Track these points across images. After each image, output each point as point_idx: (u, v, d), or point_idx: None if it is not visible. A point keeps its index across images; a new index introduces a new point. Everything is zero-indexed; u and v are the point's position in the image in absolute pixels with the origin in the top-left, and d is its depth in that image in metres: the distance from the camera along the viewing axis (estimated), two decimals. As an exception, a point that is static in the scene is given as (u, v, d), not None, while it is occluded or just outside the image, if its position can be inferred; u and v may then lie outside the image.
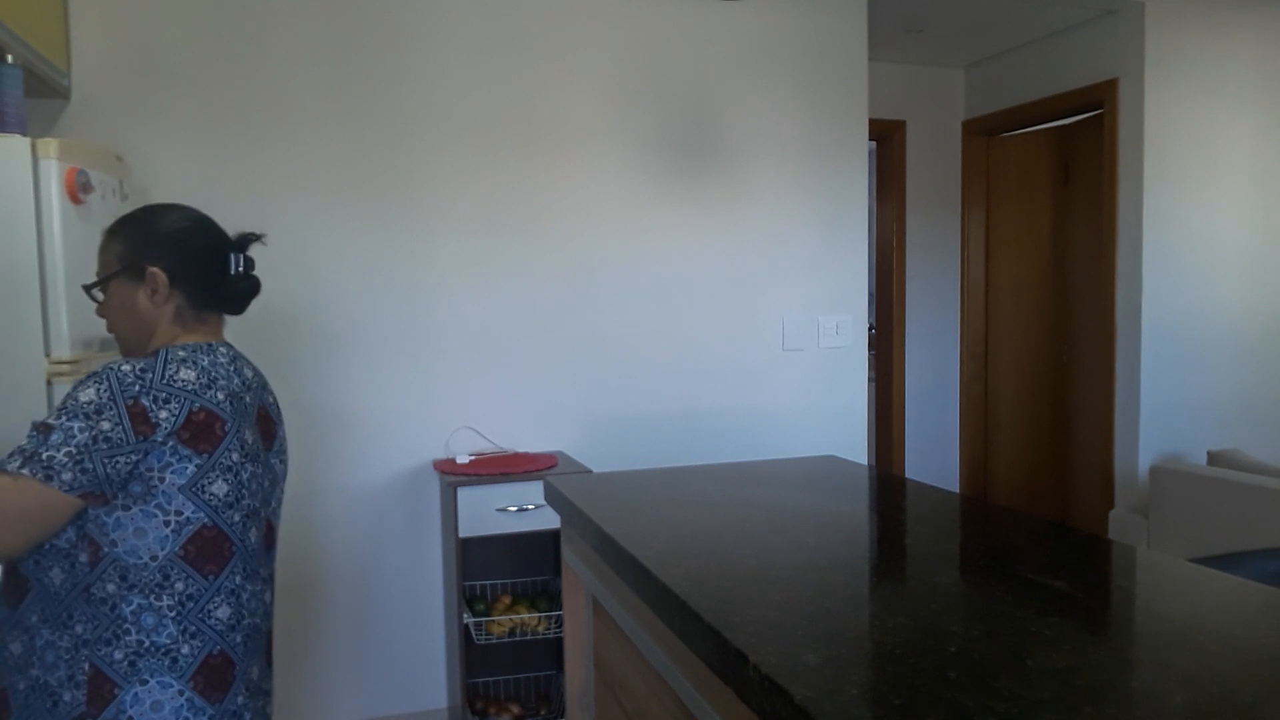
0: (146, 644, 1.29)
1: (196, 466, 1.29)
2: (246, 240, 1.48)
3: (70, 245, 1.96)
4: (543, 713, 2.95)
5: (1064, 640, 0.99)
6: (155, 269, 1.38)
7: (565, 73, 3.15)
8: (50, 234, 1.92)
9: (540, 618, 2.84)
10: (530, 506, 2.76)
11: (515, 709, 2.92)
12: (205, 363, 1.36)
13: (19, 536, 1.21)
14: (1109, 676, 0.90)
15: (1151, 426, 4.07)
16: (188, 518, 1.30)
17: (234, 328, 2.82)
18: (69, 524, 1.26)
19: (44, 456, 1.20)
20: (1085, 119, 4.49)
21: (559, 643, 3.08)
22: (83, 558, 1.27)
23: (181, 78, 2.78)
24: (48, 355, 1.93)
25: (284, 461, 1.55)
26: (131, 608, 1.28)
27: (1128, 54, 4.05)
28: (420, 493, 3.04)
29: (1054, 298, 4.75)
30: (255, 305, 2.93)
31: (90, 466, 1.21)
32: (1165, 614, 1.07)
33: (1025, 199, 4.86)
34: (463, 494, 2.70)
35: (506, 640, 2.86)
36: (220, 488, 1.33)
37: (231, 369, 1.41)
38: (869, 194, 3.83)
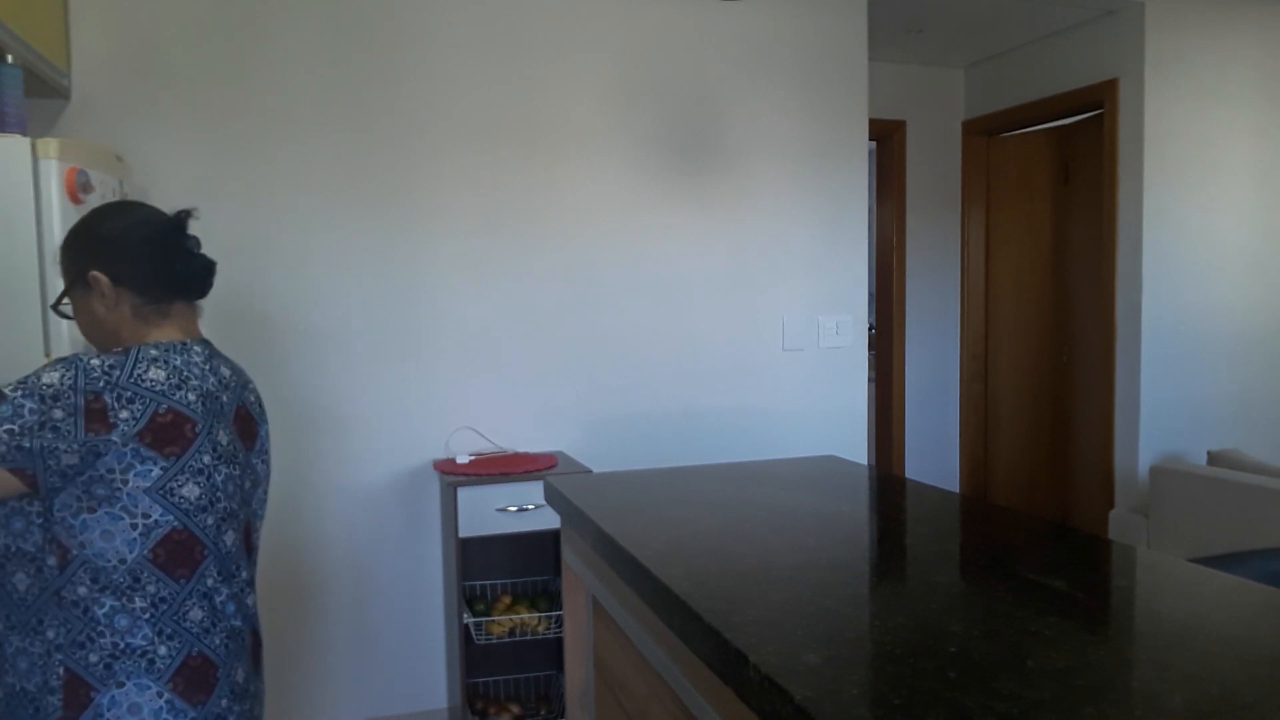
0: (122, 646, 1.27)
1: (162, 469, 1.27)
2: (181, 220, 1.42)
3: (70, 245, 1.95)
4: (543, 713, 2.95)
5: (1064, 640, 0.99)
6: (96, 273, 1.35)
7: (565, 73, 3.15)
8: (50, 234, 1.92)
9: (540, 618, 2.84)
10: (530, 506, 2.76)
11: (515, 709, 2.92)
12: (178, 362, 1.33)
13: None
14: (1109, 676, 0.90)
15: (1151, 426, 4.07)
16: (156, 520, 1.28)
17: (233, 328, 2.82)
18: (34, 527, 1.24)
19: None
20: (1085, 119, 4.50)
21: (559, 643, 3.08)
22: (51, 561, 1.25)
23: (181, 78, 2.78)
24: (47, 355, 1.93)
25: (266, 462, 1.52)
26: (104, 610, 1.26)
27: (1128, 54, 4.05)
28: (420, 493, 3.04)
29: (1054, 298, 4.75)
30: (254, 305, 2.94)
31: (28, 445, 1.19)
32: (1165, 614, 1.07)
33: (1025, 199, 4.86)
34: (463, 494, 2.70)
35: (506, 640, 2.86)
36: (191, 490, 1.31)
37: (207, 368, 1.38)
38: (869, 194, 3.83)
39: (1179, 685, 0.88)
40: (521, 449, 3.15)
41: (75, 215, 1.99)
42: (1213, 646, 0.97)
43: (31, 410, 1.20)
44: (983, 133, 4.96)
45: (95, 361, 1.26)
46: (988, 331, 5.08)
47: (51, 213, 1.92)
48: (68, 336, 1.95)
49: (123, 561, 1.26)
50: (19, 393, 1.21)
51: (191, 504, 1.31)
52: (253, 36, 2.84)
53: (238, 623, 1.40)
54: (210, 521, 1.34)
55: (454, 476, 2.75)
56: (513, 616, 2.83)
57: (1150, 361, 4.05)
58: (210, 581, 1.35)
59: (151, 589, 1.28)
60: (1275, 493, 3.12)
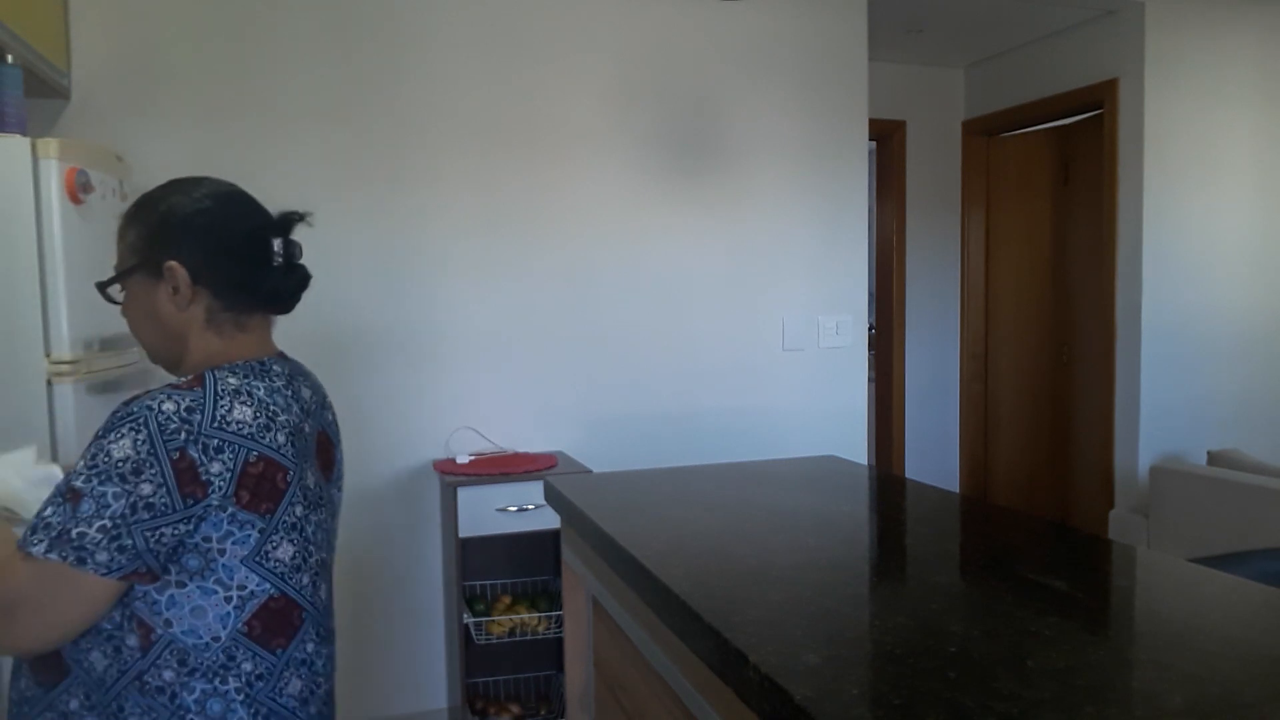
0: None
1: (260, 532, 1.08)
2: (289, 221, 1.20)
3: (70, 245, 1.96)
4: (543, 713, 2.95)
5: (1064, 640, 0.99)
6: (173, 263, 1.13)
7: (565, 73, 3.15)
8: (50, 234, 1.92)
9: (540, 618, 2.84)
10: (530, 506, 2.76)
11: (515, 709, 2.92)
12: (262, 392, 1.12)
13: (53, 630, 1.02)
14: (1109, 676, 0.90)
15: (1151, 426, 4.07)
16: (252, 591, 1.09)
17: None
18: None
19: (73, 534, 0.99)
20: (1085, 119, 4.49)
21: (559, 643, 3.08)
22: (131, 641, 1.06)
23: (181, 78, 2.78)
24: (48, 355, 1.93)
25: (341, 488, 1.33)
26: (194, 696, 1.08)
27: (1128, 54, 4.05)
28: (420, 493, 3.04)
29: (1054, 298, 4.75)
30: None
31: (130, 543, 1.00)
32: (1165, 614, 1.07)
33: (1025, 199, 4.86)
34: (463, 494, 2.70)
35: (506, 640, 2.86)
36: (285, 551, 1.12)
37: (289, 394, 1.17)
38: (869, 194, 3.83)
39: (1179, 685, 0.88)
40: (521, 449, 3.15)
41: (76, 215, 1.98)
42: (1213, 646, 0.97)
43: (116, 495, 0.99)
44: (983, 133, 4.96)
45: (169, 406, 1.03)
46: (988, 331, 5.08)
47: (51, 213, 1.92)
48: (67, 337, 1.94)
49: (216, 639, 1.08)
50: (94, 481, 1.00)
51: (286, 565, 1.13)
52: (253, 36, 2.84)
53: (330, 684, 1.24)
54: (306, 580, 1.16)
55: (454, 476, 2.75)
56: (513, 616, 2.83)
57: (1150, 361, 4.05)
58: (311, 646, 1.18)
59: (248, 666, 1.11)
60: (1275, 493, 3.12)
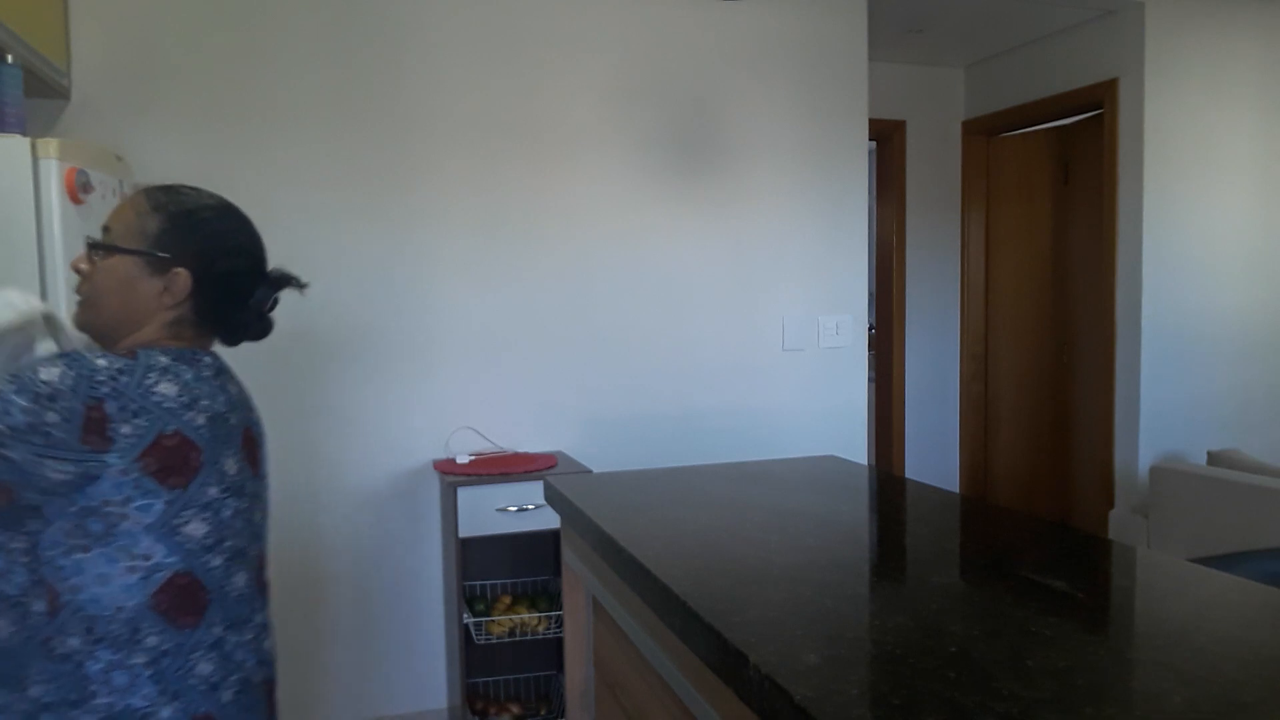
0: (119, 707, 1.10)
1: (166, 503, 1.12)
2: (283, 280, 1.32)
3: (70, 245, 1.95)
4: (543, 713, 2.95)
5: (1064, 640, 0.99)
6: (182, 270, 1.21)
7: (565, 73, 3.15)
8: (50, 234, 1.92)
9: (540, 618, 2.84)
10: (530, 506, 2.76)
11: (515, 709, 2.92)
12: (189, 376, 1.18)
13: None
14: (1109, 676, 0.90)
15: (1151, 426, 4.07)
16: (158, 563, 1.12)
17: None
18: (18, 566, 1.10)
19: None
20: (1085, 119, 4.49)
21: (559, 643, 3.08)
22: (38, 606, 1.09)
23: (181, 78, 2.78)
24: (48, 355, 1.93)
25: (267, 486, 1.38)
26: (99, 666, 1.10)
27: (1128, 54, 4.05)
28: (420, 493, 3.04)
29: (1054, 298, 4.75)
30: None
31: (15, 457, 1.04)
32: (1165, 614, 1.07)
33: (1025, 199, 4.86)
34: (463, 494, 2.70)
35: (506, 640, 2.86)
36: (197, 528, 1.15)
37: (216, 384, 1.22)
38: (869, 194, 3.83)
39: (1179, 685, 0.88)
40: (521, 449, 3.15)
41: (75, 215, 1.98)
42: (1213, 646, 0.97)
43: (22, 410, 1.04)
44: (983, 133, 4.96)
45: (102, 362, 1.10)
46: (988, 331, 5.08)
47: (51, 213, 1.92)
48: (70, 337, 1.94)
49: (120, 609, 1.11)
50: (11, 387, 1.05)
51: (197, 544, 1.16)
52: (253, 36, 2.84)
53: (248, 673, 1.25)
54: (217, 563, 1.19)
55: (454, 476, 2.75)
56: (513, 616, 2.83)
57: (1150, 361, 4.05)
58: (219, 630, 1.20)
59: (153, 640, 1.13)
60: (1275, 493, 3.12)
